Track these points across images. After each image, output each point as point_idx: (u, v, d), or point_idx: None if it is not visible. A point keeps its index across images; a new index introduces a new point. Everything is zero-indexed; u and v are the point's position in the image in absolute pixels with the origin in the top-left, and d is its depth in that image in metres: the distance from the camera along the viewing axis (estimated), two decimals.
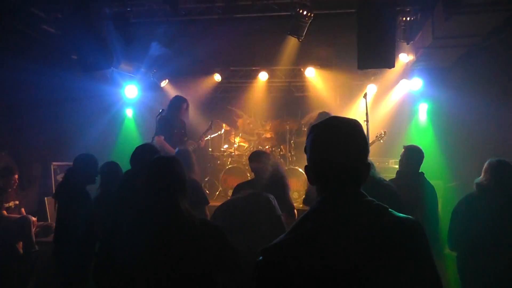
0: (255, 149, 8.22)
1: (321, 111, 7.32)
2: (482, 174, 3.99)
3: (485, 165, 4.00)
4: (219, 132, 8.84)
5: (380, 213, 1.60)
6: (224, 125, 9.05)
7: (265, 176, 4.51)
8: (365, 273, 1.48)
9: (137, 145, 3.85)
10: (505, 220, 3.74)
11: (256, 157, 4.77)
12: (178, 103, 6.97)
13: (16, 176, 6.32)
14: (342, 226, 1.56)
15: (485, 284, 3.79)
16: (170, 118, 6.87)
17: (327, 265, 1.50)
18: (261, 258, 1.61)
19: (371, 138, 6.67)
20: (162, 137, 6.69)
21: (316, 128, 1.70)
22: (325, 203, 1.63)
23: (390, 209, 1.62)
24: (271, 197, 3.92)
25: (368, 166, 1.67)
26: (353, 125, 1.67)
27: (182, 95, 7.18)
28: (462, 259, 4.04)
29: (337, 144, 1.63)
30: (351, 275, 1.49)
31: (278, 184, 4.53)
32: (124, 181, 3.79)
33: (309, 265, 1.52)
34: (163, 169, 2.69)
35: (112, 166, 4.26)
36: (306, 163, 1.72)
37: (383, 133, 7.11)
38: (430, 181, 4.80)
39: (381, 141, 7.10)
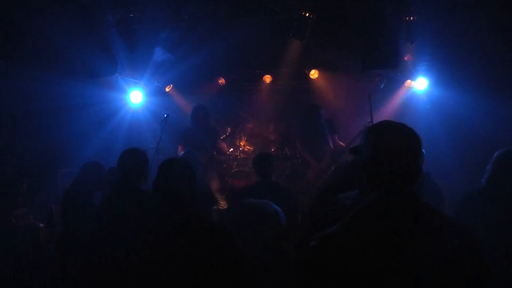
0: (260, 152, 8.21)
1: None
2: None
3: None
4: (224, 136, 8.86)
5: (434, 213, 1.69)
6: (228, 128, 9.06)
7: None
8: (423, 268, 1.55)
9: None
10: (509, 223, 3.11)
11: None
12: (193, 112, 7.10)
13: (25, 185, 6.37)
14: (401, 224, 1.62)
15: None
16: (188, 128, 7.06)
17: (385, 260, 1.55)
18: (314, 244, 1.64)
19: None
20: (181, 147, 6.87)
21: (376, 129, 1.74)
22: (383, 200, 1.67)
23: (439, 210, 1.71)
24: (279, 211, 3.52)
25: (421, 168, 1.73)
26: (410, 128, 1.73)
27: (200, 104, 7.27)
28: None
29: (402, 145, 1.66)
30: (408, 270, 1.55)
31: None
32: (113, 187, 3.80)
33: (366, 258, 1.56)
34: (172, 171, 2.67)
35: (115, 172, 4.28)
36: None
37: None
38: (438, 182, 4.75)
39: None
